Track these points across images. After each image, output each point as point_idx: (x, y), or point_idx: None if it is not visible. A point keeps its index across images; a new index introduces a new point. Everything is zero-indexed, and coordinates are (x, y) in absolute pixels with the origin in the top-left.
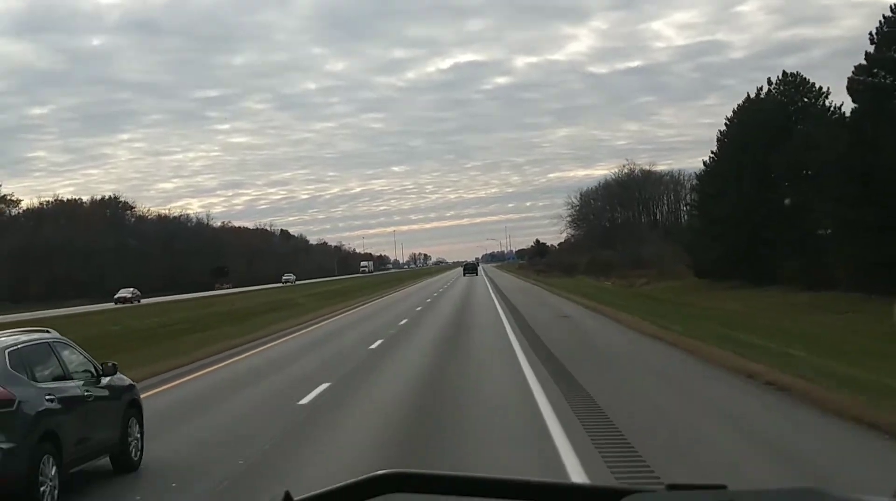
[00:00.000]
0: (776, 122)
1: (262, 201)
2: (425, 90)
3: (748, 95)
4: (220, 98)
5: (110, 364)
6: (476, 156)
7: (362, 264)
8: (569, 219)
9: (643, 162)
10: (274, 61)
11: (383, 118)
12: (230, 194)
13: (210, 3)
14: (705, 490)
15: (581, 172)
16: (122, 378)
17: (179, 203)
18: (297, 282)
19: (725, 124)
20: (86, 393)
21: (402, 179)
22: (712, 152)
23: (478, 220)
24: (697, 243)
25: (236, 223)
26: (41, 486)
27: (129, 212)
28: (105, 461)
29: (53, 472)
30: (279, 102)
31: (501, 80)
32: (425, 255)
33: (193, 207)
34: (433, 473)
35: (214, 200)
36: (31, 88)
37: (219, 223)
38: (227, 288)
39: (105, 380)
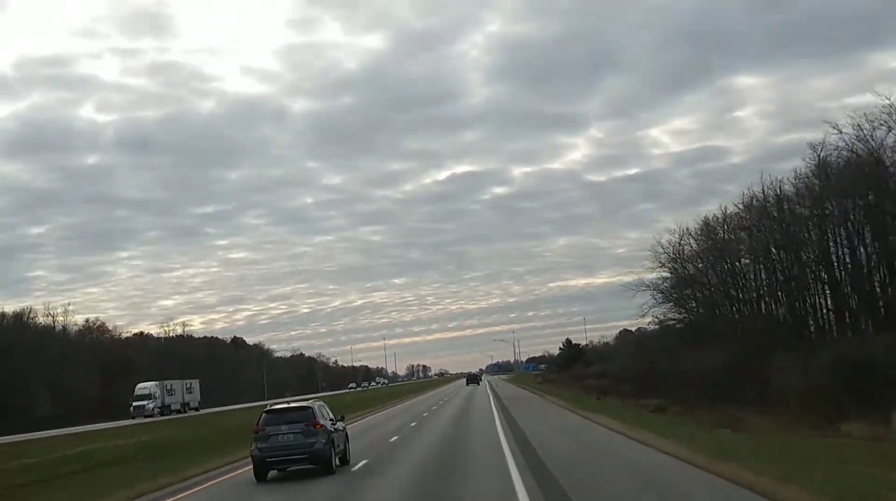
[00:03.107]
0: None
1: (263, 316)
2: (423, 202)
3: None
4: (217, 214)
5: (341, 416)
6: (476, 266)
7: (138, 390)
8: (662, 290)
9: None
10: (270, 176)
11: (382, 230)
12: (231, 309)
13: (203, 119)
14: None
15: (582, 281)
16: (342, 424)
17: (181, 320)
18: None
19: None
20: (336, 427)
21: (402, 291)
22: None
23: (480, 331)
24: None
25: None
26: (332, 460)
27: None
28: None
29: (333, 455)
30: (276, 217)
31: (499, 190)
32: (424, 366)
33: (195, 323)
34: None
35: (216, 316)
36: (28, 208)
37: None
38: None
39: (339, 423)
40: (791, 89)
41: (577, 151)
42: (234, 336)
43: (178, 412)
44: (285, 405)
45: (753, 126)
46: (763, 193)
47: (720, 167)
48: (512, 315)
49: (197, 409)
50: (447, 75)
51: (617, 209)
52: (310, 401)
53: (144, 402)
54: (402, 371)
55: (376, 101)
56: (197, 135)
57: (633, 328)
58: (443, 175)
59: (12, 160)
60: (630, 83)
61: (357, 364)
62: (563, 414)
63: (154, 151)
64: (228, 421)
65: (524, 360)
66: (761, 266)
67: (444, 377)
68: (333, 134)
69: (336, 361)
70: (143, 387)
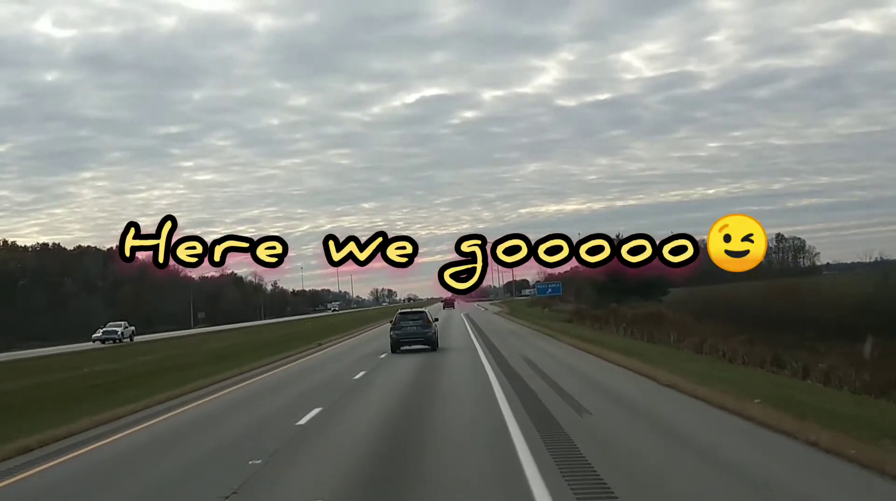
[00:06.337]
0: None
1: None
2: (392, 125)
3: None
4: (181, 134)
5: (435, 318)
6: (446, 192)
7: None
8: None
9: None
10: (234, 96)
11: (350, 154)
12: (199, 232)
13: (164, 36)
14: None
15: (552, 207)
16: (436, 323)
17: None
18: None
19: None
20: (436, 325)
21: (371, 215)
22: None
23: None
24: None
25: None
26: (436, 343)
27: None
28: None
29: (433, 337)
30: (242, 138)
31: (469, 114)
32: (390, 291)
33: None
34: None
35: None
36: None
37: None
38: None
39: (435, 322)
40: (765, 14)
41: (547, 74)
42: (111, 247)
43: None
44: (410, 310)
45: (727, 51)
46: None
47: (692, 94)
48: None
49: None
50: None
51: (587, 135)
52: (423, 308)
53: None
54: (365, 296)
55: (342, 18)
56: (158, 53)
57: None
58: (412, 98)
59: None
60: (603, 4)
61: (306, 289)
62: None
63: (115, 69)
64: None
65: (501, 285)
66: None
67: (413, 303)
68: (298, 53)
69: (276, 282)
70: None
